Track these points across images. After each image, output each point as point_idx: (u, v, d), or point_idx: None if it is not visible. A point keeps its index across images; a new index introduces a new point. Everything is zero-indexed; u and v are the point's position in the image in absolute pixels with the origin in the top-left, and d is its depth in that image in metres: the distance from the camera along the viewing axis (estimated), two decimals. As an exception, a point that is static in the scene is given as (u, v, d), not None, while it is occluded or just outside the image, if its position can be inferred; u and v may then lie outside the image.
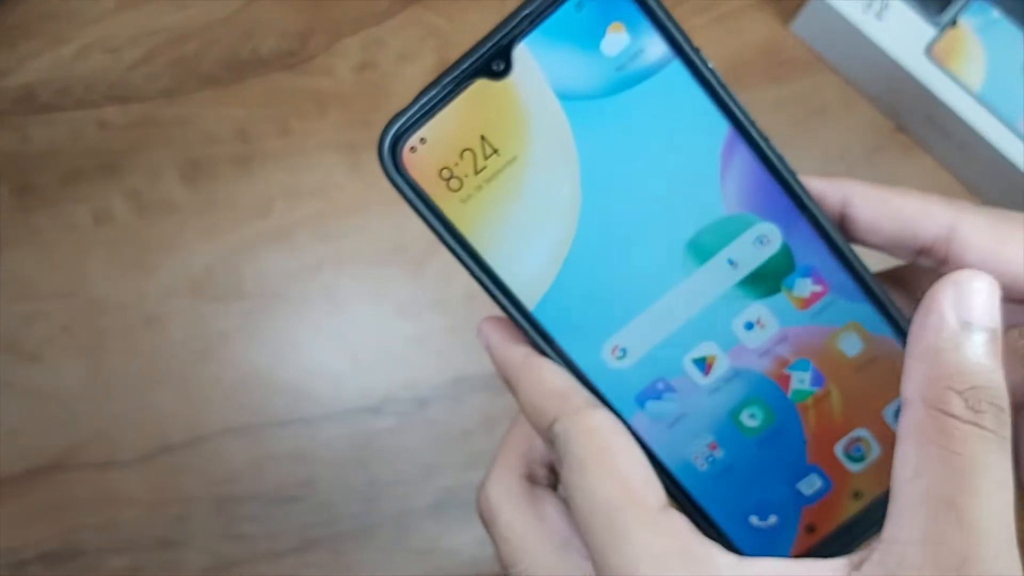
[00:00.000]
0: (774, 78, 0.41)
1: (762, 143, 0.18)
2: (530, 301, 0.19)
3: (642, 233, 0.19)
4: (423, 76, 0.41)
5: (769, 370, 0.20)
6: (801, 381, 0.20)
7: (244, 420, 0.39)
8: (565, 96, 0.18)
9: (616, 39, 0.18)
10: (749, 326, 0.19)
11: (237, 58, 0.42)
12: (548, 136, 0.18)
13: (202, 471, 0.39)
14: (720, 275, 0.19)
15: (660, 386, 0.20)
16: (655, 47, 0.18)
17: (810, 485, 0.20)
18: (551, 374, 0.19)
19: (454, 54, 0.41)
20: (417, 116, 0.18)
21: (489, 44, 0.18)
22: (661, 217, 0.19)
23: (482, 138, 0.18)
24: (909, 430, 0.16)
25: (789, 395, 0.20)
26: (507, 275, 0.19)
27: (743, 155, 0.18)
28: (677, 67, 0.18)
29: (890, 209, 0.19)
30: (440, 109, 0.18)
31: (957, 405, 0.16)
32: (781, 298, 0.19)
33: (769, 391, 0.20)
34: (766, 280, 0.19)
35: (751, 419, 0.20)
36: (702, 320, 0.19)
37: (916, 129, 0.41)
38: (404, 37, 0.42)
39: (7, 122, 0.41)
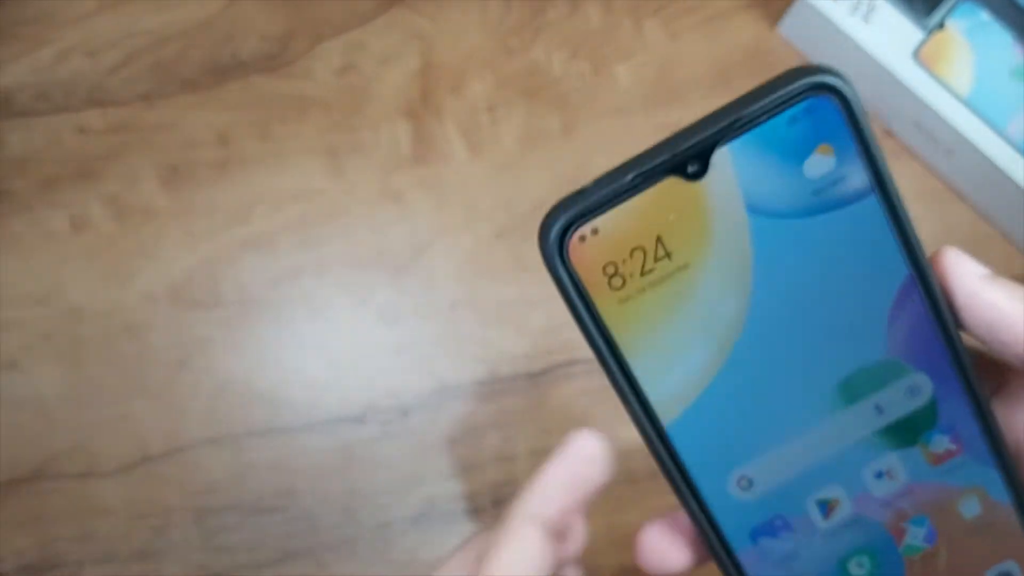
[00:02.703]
0: (760, 81, 0.41)
1: (938, 295, 0.17)
2: (666, 417, 0.18)
3: (797, 364, 0.18)
4: (405, 79, 0.41)
5: (887, 521, 0.19)
6: (915, 536, 0.19)
7: (223, 430, 0.39)
8: (755, 210, 0.17)
9: (821, 161, 0.17)
10: (879, 475, 0.19)
11: (217, 61, 0.41)
12: (727, 249, 0.17)
13: (181, 481, 0.38)
14: (864, 419, 0.18)
15: (778, 523, 0.19)
16: (857, 178, 0.17)
17: None
18: None
19: (437, 56, 0.41)
20: (596, 205, 0.16)
21: (690, 142, 0.16)
22: (821, 350, 0.18)
23: (658, 239, 0.17)
24: None
25: (900, 548, 0.19)
26: (649, 386, 0.18)
27: (915, 304, 0.18)
28: (873, 202, 0.17)
29: (984, 320, 0.18)
30: (622, 202, 0.16)
31: None
32: (916, 452, 0.19)
33: (883, 543, 0.19)
34: (906, 432, 0.19)
35: (858, 567, 0.19)
36: (835, 462, 0.19)
37: (904, 134, 0.40)
38: (386, 39, 0.41)
39: (-17, 127, 0.40)
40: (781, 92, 0.16)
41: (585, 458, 0.19)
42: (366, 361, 0.39)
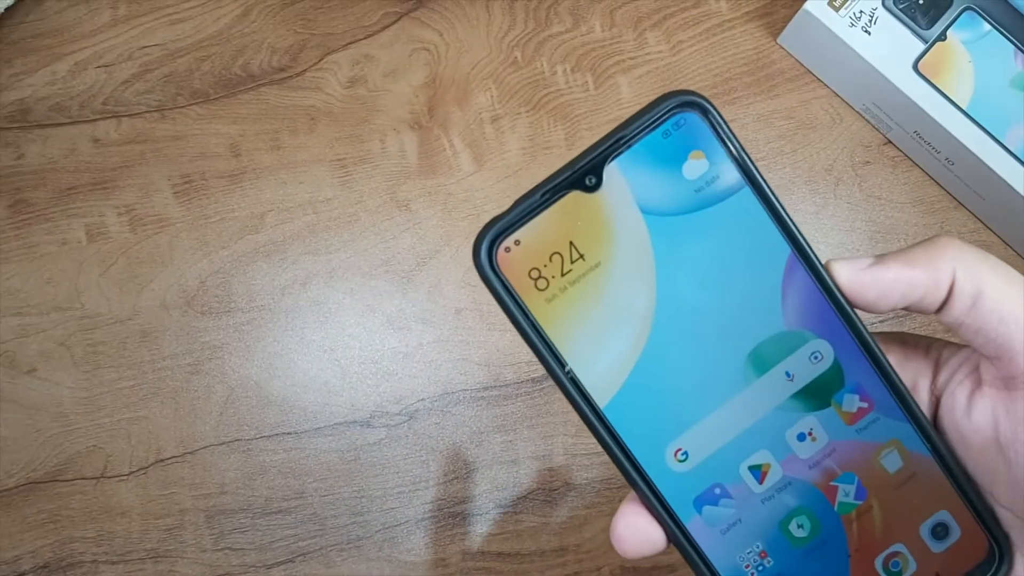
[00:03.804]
0: (762, 91, 0.41)
1: (820, 268, 0.20)
2: (601, 399, 0.20)
3: (708, 342, 0.20)
4: (412, 91, 0.42)
5: (818, 481, 0.21)
6: (846, 494, 0.21)
7: (235, 433, 0.40)
8: (648, 211, 0.20)
9: (696, 165, 0.20)
10: (801, 437, 0.21)
11: (228, 74, 0.42)
12: (630, 246, 0.20)
13: (194, 484, 0.39)
14: (777, 386, 0.21)
15: (717, 491, 0.21)
16: (729, 175, 0.20)
17: None
18: None
19: (443, 68, 0.42)
20: (515, 220, 0.20)
21: (584, 161, 0.20)
22: (726, 328, 0.20)
23: (571, 244, 0.20)
24: None
25: (835, 507, 0.21)
26: (582, 373, 0.20)
27: (802, 277, 0.20)
28: (747, 193, 0.20)
29: (880, 290, 0.20)
30: (536, 215, 0.20)
31: None
32: (831, 412, 0.21)
33: (817, 502, 0.21)
34: (818, 394, 0.21)
35: (799, 529, 0.21)
36: (759, 429, 0.21)
37: (904, 142, 0.41)
38: (394, 52, 0.42)
39: (1, 138, 0.42)
40: (652, 112, 0.20)
41: None
42: (373, 366, 0.40)
